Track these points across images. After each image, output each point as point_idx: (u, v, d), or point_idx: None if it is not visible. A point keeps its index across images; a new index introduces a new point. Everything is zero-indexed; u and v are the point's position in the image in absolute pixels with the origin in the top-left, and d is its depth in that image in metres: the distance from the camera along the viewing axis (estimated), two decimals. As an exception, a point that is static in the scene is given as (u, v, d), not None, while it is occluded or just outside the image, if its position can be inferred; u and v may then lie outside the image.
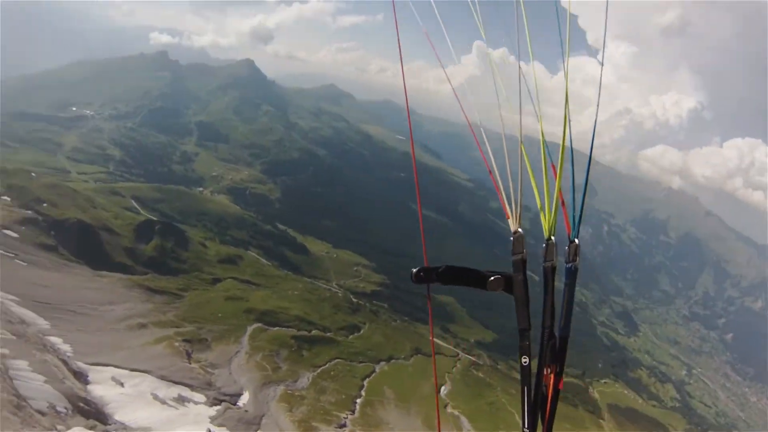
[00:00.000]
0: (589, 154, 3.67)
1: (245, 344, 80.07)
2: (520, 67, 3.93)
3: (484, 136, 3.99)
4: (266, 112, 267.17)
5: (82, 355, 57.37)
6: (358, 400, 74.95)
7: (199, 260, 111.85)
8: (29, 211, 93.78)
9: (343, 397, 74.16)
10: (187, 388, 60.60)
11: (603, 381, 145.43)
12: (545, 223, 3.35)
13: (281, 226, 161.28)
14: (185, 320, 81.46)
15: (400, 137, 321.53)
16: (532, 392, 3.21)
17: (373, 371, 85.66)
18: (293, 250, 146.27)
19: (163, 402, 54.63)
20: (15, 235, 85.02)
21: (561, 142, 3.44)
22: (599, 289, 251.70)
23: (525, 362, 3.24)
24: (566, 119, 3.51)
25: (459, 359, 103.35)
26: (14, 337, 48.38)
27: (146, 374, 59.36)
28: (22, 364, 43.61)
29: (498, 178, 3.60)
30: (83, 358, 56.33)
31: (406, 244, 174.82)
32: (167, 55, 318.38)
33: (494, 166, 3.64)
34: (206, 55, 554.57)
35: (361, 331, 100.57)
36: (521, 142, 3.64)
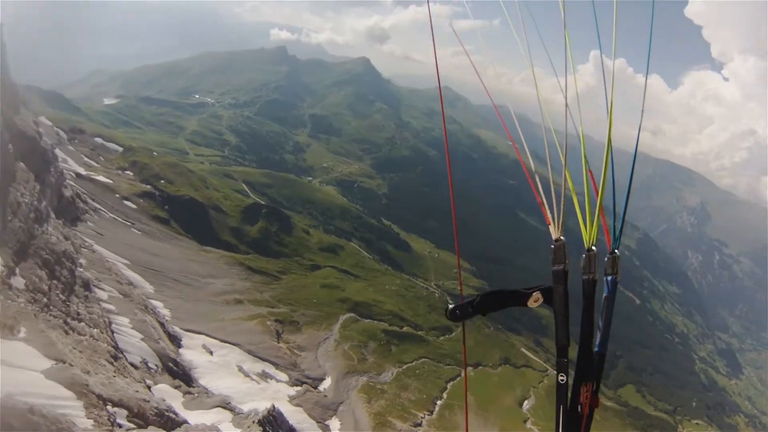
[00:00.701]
0: (631, 170, 3.40)
1: (335, 332, 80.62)
2: (565, 74, 3.55)
3: (526, 147, 3.75)
4: (379, 109, 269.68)
5: (179, 320, 60.11)
6: (439, 402, 72.92)
7: (300, 246, 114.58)
8: (148, 186, 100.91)
9: (424, 396, 72.47)
10: (271, 366, 61.69)
11: (695, 422, 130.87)
12: (585, 234, 3.13)
13: (386, 222, 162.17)
14: (280, 301, 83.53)
15: (511, 144, 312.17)
16: (568, 410, 3.02)
17: (459, 375, 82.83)
18: (395, 246, 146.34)
19: (247, 375, 55.81)
20: (133, 206, 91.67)
21: (605, 151, 3.23)
22: (703, 322, 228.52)
23: (562, 380, 3.07)
24: (610, 127, 3.27)
25: (547, 374, 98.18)
26: (121, 296, 51.47)
27: (235, 347, 61.11)
28: (124, 321, 46.23)
29: (538, 183, 3.41)
30: (179, 324, 58.97)
31: (509, 252, 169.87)
32: (286, 51, 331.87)
33: (533, 169, 3.45)
34: (323, 52, 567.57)
35: (453, 334, 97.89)
36: (564, 155, 3.44)
